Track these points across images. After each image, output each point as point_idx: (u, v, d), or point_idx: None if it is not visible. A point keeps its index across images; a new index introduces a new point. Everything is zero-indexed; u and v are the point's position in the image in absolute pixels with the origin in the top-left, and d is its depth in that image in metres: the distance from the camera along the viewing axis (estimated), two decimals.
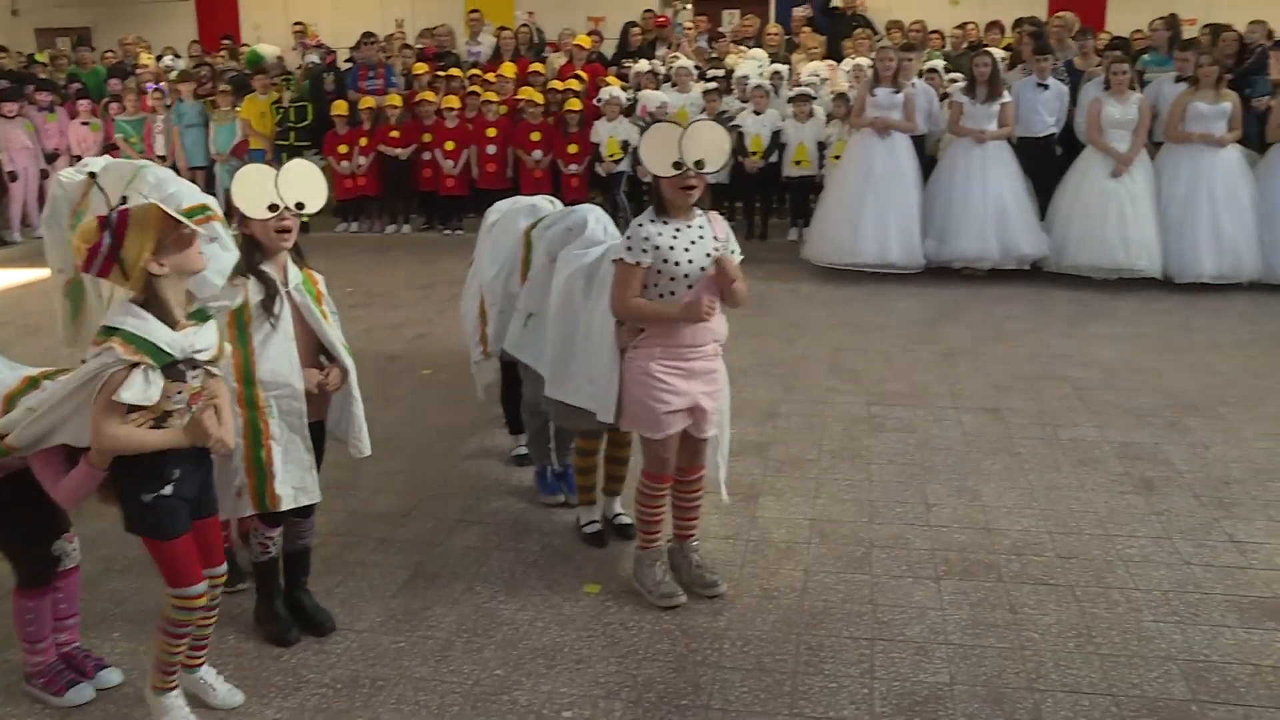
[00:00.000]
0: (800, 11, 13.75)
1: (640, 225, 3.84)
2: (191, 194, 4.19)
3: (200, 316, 3.21)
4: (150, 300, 3.07)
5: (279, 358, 3.57)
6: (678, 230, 3.84)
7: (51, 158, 12.85)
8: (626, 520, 4.56)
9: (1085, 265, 9.40)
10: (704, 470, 4.18)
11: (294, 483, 3.65)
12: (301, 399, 3.62)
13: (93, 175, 4.28)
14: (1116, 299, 8.94)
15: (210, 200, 4.28)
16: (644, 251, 3.80)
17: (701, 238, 3.87)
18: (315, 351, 3.73)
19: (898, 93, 9.67)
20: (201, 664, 3.51)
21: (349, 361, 3.77)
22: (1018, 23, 11.94)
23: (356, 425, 3.88)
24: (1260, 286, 9.20)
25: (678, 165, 3.74)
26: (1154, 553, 4.43)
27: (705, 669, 3.65)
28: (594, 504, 4.67)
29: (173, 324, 3.09)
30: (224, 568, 3.42)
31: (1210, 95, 9.24)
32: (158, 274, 3.05)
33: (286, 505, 3.65)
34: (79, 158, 12.38)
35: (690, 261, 3.82)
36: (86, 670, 3.65)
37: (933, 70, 10.66)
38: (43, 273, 4.69)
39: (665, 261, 3.80)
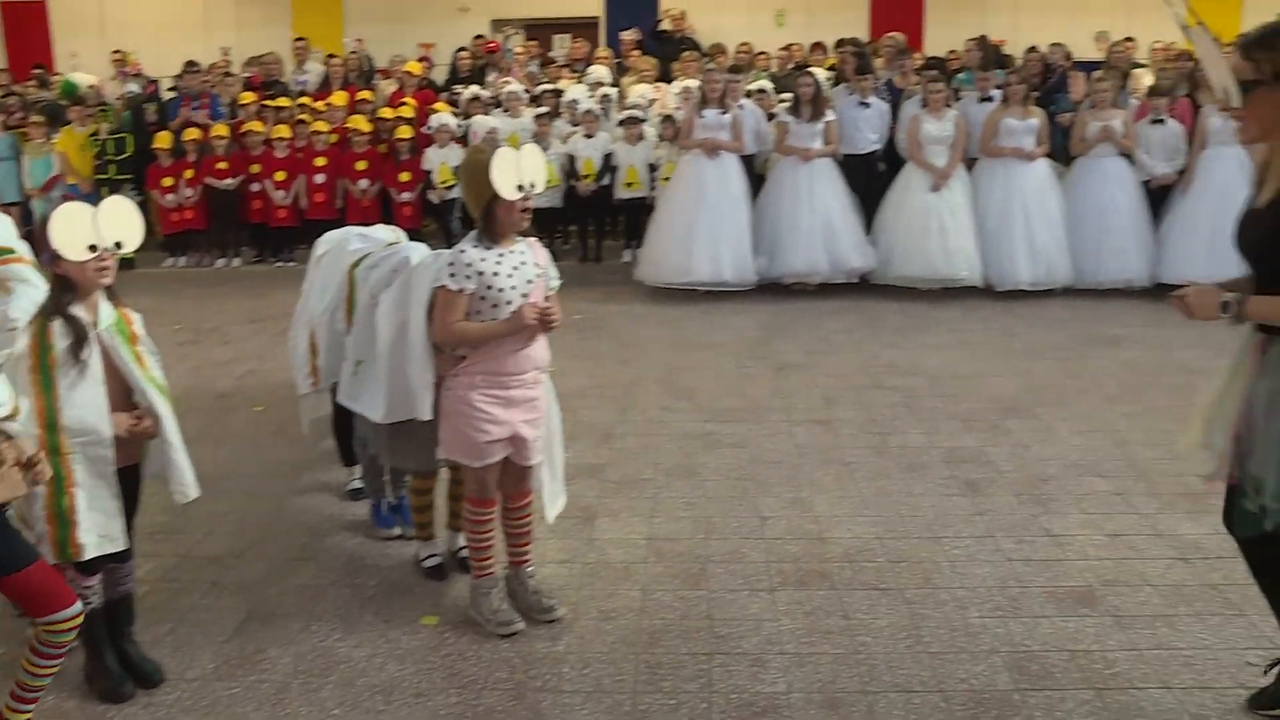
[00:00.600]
0: (629, 35, 13.95)
1: (463, 251, 3.84)
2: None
3: None
4: None
5: (86, 404, 3.44)
6: (500, 256, 3.86)
7: None
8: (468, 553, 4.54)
9: (910, 276, 9.74)
10: (531, 496, 4.19)
11: (99, 530, 3.51)
12: (109, 445, 3.49)
13: None
14: (940, 308, 9.28)
15: (15, 242, 4.13)
16: (467, 278, 3.79)
17: (524, 263, 3.90)
18: (127, 394, 3.60)
19: (725, 114, 9.87)
20: None
21: (162, 407, 3.64)
22: (840, 43, 12.34)
23: (177, 470, 3.73)
24: (1072, 292, 9.67)
25: (520, 188, 3.77)
26: (978, 551, 4.61)
27: (545, 694, 3.65)
28: (432, 538, 4.62)
29: None
30: (65, 614, 3.22)
31: (1019, 112, 9.72)
32: None
33: (90, 554, 3.51)
34: None
35: (513, 287, 3.84)
36: None
37: (761, 91, 10.91)
38: None
39: (489, 288, 3.81)
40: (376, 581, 4.52)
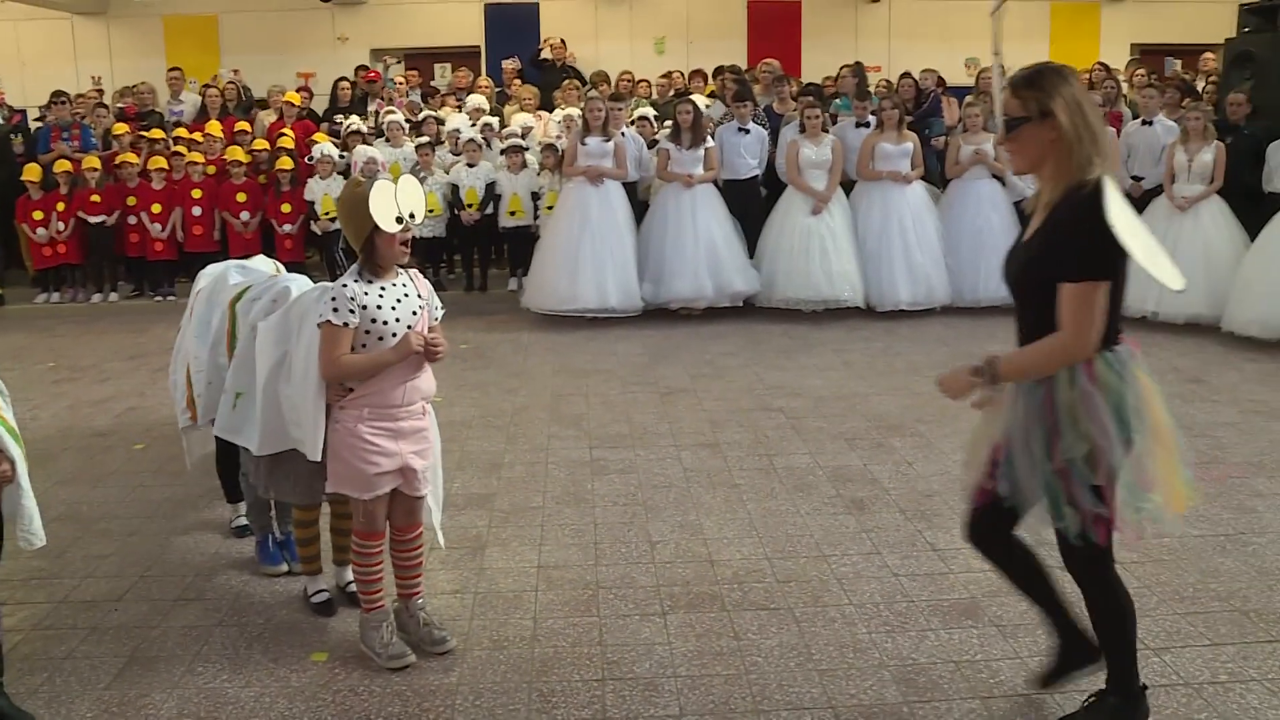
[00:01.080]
0: (510, 64, 13.99)
1: (345, 285, 3.82)
2: None
3: None
4: None
5: None
6: (383, 289, 3.85)
7: None
8: (356, 588, 4.48)
9: (794, 299, 9.92)
10: (421, 528, 4.17)
11: None
12: None
13: None
14: (823, 330, 9.46)
15: None
16: (350, 312, 3.77)
17: (406, 295, 3.90)
18: None
19: (608, 141, 9.96)
20: None
21: (15, 449, 3.53)
22: (719, 70, 12.56)
23: (26, 516, 3.60)
24: (951, 310, 9.96)
25: (399, 220, 3.77)
26: (865, 568, 4.71)
27: None
28: (319, 573, 4.56)
29: None
30: None
31: (894, 136, 10.00)
32: None
33: None
34: None
35: (398, 320, 3.83)
36: None
37: (644, 118, 11.02)
38: None
39: (374, 321, 3.80)
40: (264, 619, 4.43)
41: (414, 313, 3.89)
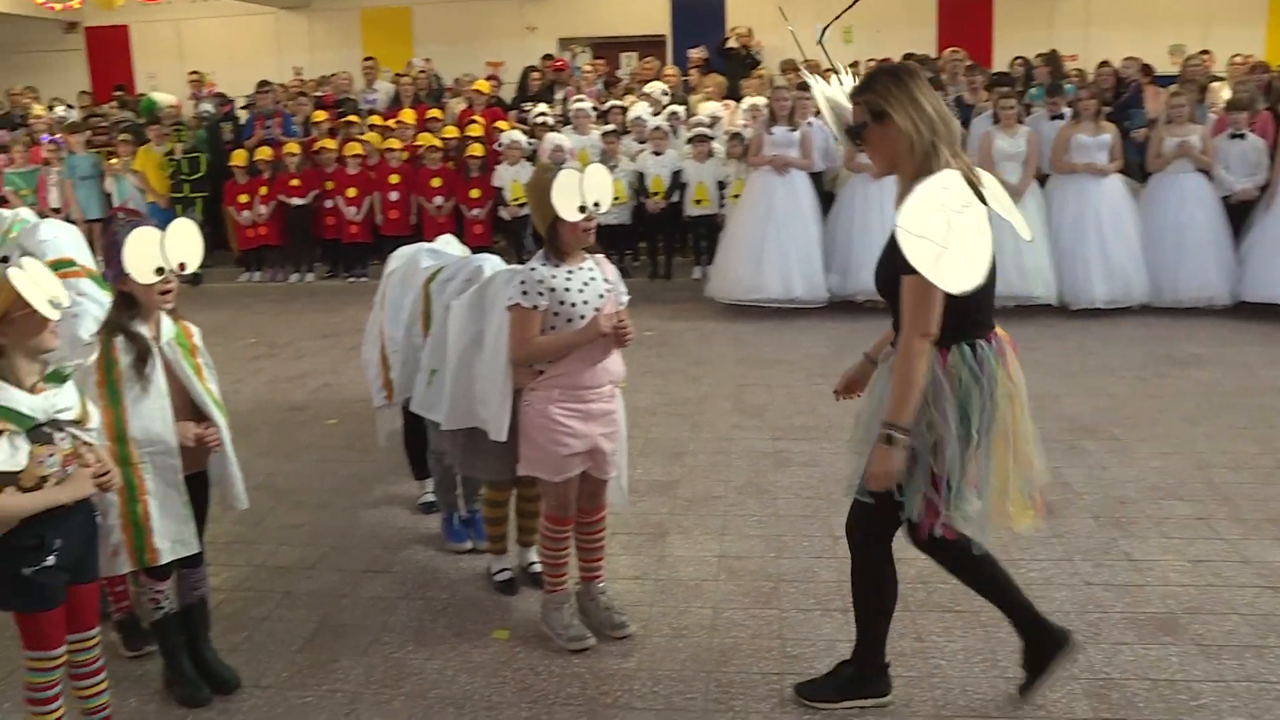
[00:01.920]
0: (696, 53, 13.96)
1: (533, 269, 3.86)
2: (59, 247, 4.15)
3: (57, 378, 3.14)
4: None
5: (152, 415, 3.52)
6: (570, 272, 3.87)
7: None
8: (540, 569, 4.51)
9: None
10: (606, 511, 4.19)
11: (172, 536, 3.60)
12: (176, 454, 3.57)
13: None
14: (1013, 327, 8.95)
15: (78, 254, 4.23)
16: (540, 295, 3.81)
17: (593, 279, 3.91)
18: (190, 404, 3.68)
19: (794, 130, 9.84)
20: None
21: (219, 418, 3.71)
22: (906, 59, 12.26)
23: (230, 479, 3.84)
24: (1149, 309, 9.49)
25: (582, 209, 3.78)
26: (1055, 575, 4.52)
27: (616, 711, 3.64)
28: (505, 552, 4.63)
29: (28, 390, 3.03)
30: (96, 632, 3.33)
31: (1091, 128, 9.59)
32: (0, 342, 3.00)
33: (165, 558, 3.60)
34: None
35: (585, 302, 3.85)
36: None
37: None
38: None
39: (562, 303, 3.82)
40: (448, 595, 4.54)
41: (600, 296, 3.90)
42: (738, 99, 12.31)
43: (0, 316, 2.97)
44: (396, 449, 5.56)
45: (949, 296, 3.06)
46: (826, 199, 10.16)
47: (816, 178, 10.09)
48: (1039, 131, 9.83)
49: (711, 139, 11.09)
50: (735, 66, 13.70)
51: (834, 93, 3.55)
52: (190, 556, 3.69)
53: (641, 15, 16.28)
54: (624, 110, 11.87)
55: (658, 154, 11.11)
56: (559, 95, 13.22)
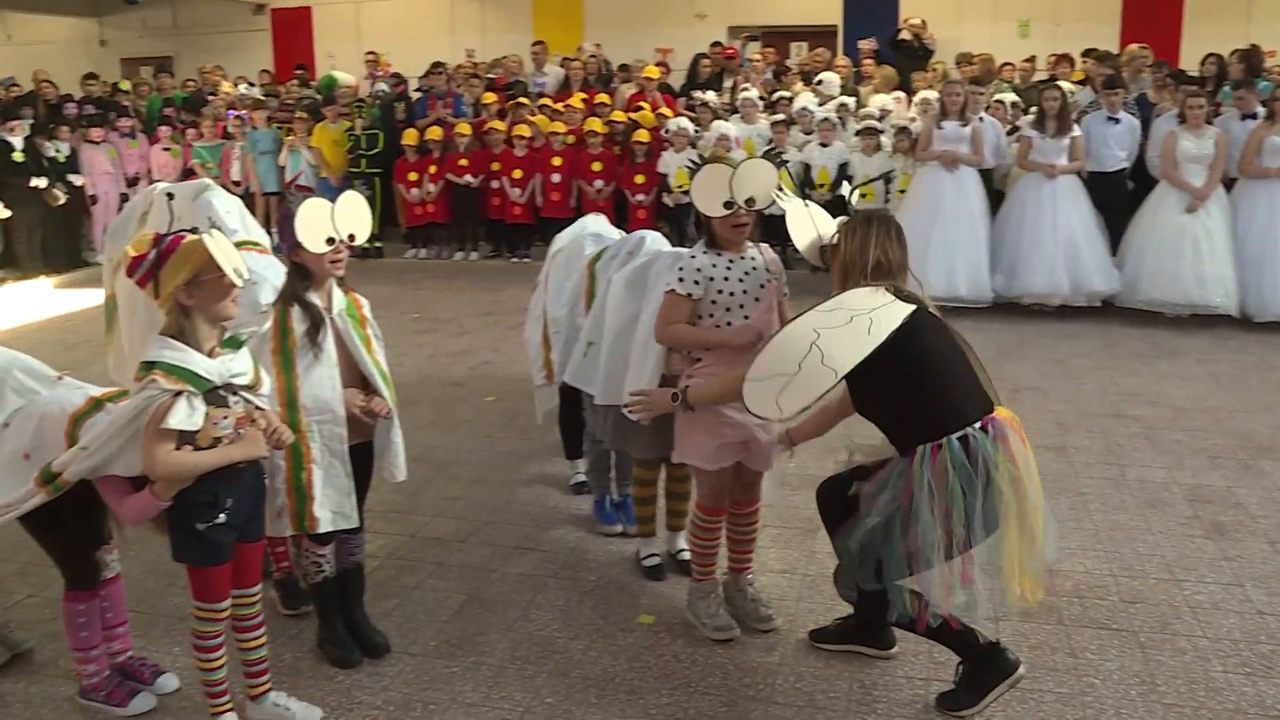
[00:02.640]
0: (867, 44, 13.74)
1: (693, 257, 3.84)
2: (226, 219, 4.31)
3: (233, 344, 3.28)
4: (181, 331, 3.15)
5: (322, 383, 3.63)
6: (731, 261, 3.84)
7: (132, 182, 13.17)
8: (688, 555, 4.51)
9: (1158, 301, 9.24)
10: (759, 503, 4.16)
11: (332, 506, 3.70)
12: (343, 424, 3.67)
13: (170, 195, 4.45)
14: (1189, 337, 8.78)
15: (261, 235, 4.39)
16: (695, 283, 3.79)
17: (754, 268, 3.87)
18: (359, 375, 3.78)
19: (965, 126, 9.61)
20: (267, 690, 3.56)
21: (385, 390, 3.80)
22: (1087, 54, 11.86)
23: (394, 451, 3.93)
24: None
25: (728, 205, 3.75)
26: (1224, 600, 4.31)
27: (757, 704, 3.62)
28: (653, 536, 4.65)
29: (206, 353, 3.17)
30: (258, 588, 3.48)
31: None
32: (185, 304, 3.13)
33: (324, 528, 3.70)
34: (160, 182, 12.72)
35: (745, 292, 3.82)
36: (144, 678, 3.75)
37: (1000, 103, 10.56)
38: None
39: (720, 292, 3.80)
40: (596, 576, 4.58)
41: (761, 286, 3.86)
42: (908, 92, 12.09)
43: (189, 279, 3.10)
44: (552, 428, 5.64)
45: (917, 392, 3.38)
46: (996, 197, 9.89)
47: (986, 175, 9.84)
48: (1229, 132, 9.37)
49: (880, 132, 10.91)
50: (907, 59, 13.44)
51: (821, 220, 3.86)
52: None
53: (813, 5, 16.09)
54: (791, 100, 11.76)
55: (824, 145, 10.97)
56: (727, 84, 13.17)
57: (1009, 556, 3.34)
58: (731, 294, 3.80)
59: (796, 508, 5.12)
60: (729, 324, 3.83)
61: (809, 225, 3.81)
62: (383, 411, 3.77)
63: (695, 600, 4.12)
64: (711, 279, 3.80)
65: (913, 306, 3.37)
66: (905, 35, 13.94)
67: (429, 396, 7.21)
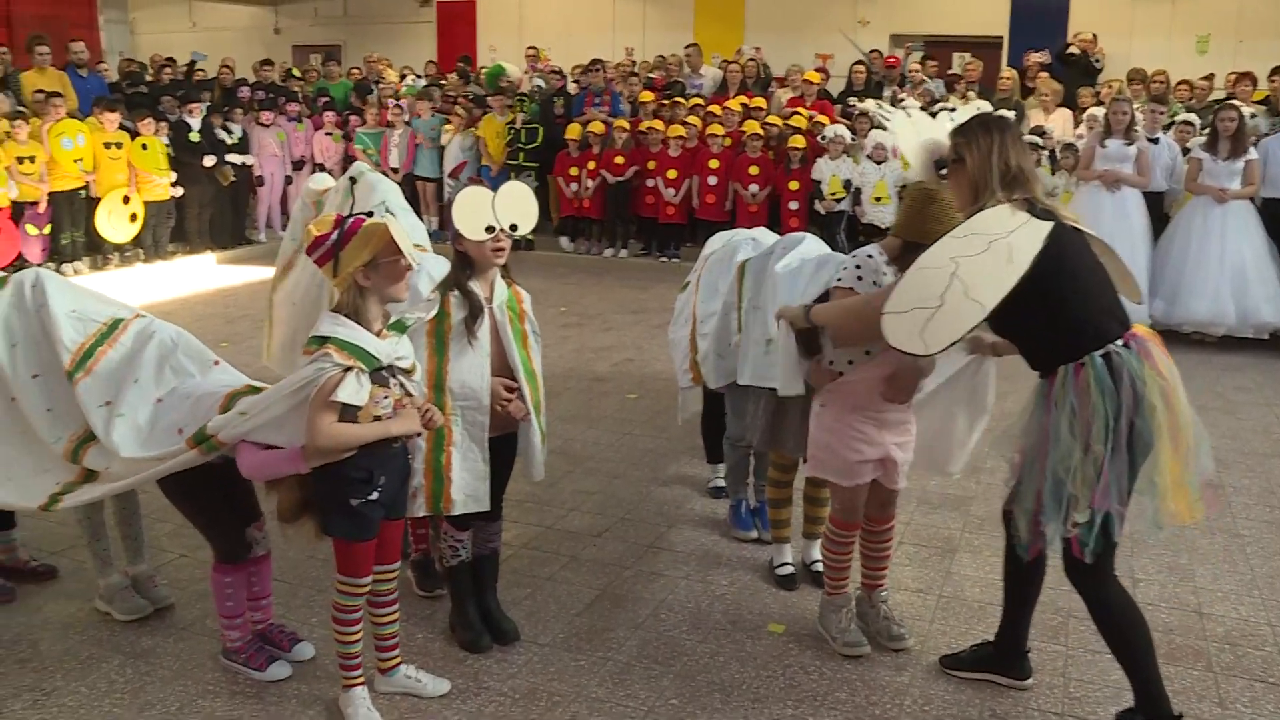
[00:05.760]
0: (1036, 57, 13.37)
1: (870, 257, 3.78)
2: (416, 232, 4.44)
3: (398, 327, 3.39)
4: (355, 310, 3.25)
5: (471, 371, 3.69)
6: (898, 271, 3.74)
7: (298, 165, 13.63)
8: (822, 567, 4.43)
9: None
10: (894, 521, 4.10)
11: (467, 490, 3.76)
12: (486, 412, 3.73)
13: (353, 180, 4.63)
14: None
15: (416, 223, 4.51)
16: (874, 284, 3.72)
17: None
18: (508, 368, 3.83)
19: (1130, 145, 9.30)
20: (397, 664, 3.66)
21: (528, 388, 3.84)
22: (1275, 72, 11.33)
23: (532, 449, 3.94)
24: None
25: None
26: None
27: None
28: (787, 542, 4.62)
29: (374, 334, 3.28)
30: (397, 566, 3.58)
31: None
32: (362, 285, 3.23)
33: (457, 510, 3.77)
34: (321, 166, 13.19)
35: None
36: (282, 644, 3.89)
37: (1186, 123, 10.14)
38: None
39: None
40: (728, 581, 4.56)
41: None
42: (1074, 108, 11.75)
43: (369, 260, 3.21)
44: (693, 429, 5.64)
45: (1058, 312, 3.22)
46: (1160, 222, 9.54)
47: (1154, 198, 9.49)
48: None
49: (1042, 148, 10.62)
50: (1074, 73, 13.05)
51: (931, 128, 3.70)
52: (489, 511, 3.86)
53: (979, 14, 15.76)
54: (952, 111, 11.51)
55: None
56: (886, 92, 12.99)
57: (1164, 472, 3.21)
58: None
59: (935, 526, 5.04)
60: None
61: (916, 136, 3.67)
62: (518, 415, 3.81)
63: (827, 613, 4.08)
64: (878, 285, 3.71)
65: (1050, 224, 3.22)
66: (1074, 49, 13.55)
67: (572, 390, 7.29)
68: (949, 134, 3.48)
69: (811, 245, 4.52)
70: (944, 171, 3.52)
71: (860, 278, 3.74)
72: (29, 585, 4.43)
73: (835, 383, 3.84)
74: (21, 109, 11.16)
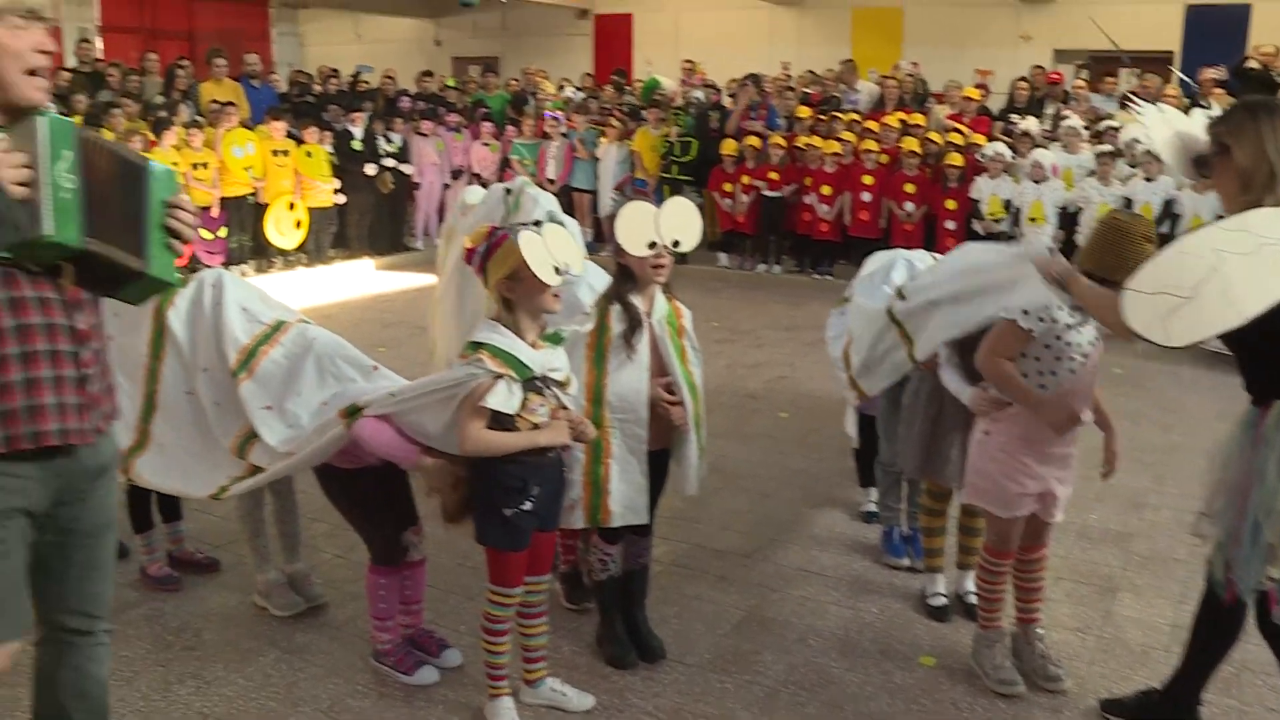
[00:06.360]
0: (1211, 72, 12.84)
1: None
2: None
3: (554, 339, 3.42)
4: (507, 320, 3.31)
5: (629, 384, 3.70)
6: (1076, 310, 3.60)
7: (455, 174, 13.93)
8: (975, 600, 4.29)
9: None
10: (1045, 550, 3.97)
11: (625, 502, 3.77)
12: (644, 425, 3.73)
13: (508, 191, 4.74)
14: None
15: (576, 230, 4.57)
16: (1040, 320, 3.58)
17: (1090, 322, 3.64)
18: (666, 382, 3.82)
19: None
20: (543, 676, 3.70)
21: (690, 403, 3.82)
22: None
23: (687, 463, 3.95)
24: None
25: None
26: None
27: None
28: (939, 572, 4.51)
29: (529, 344, 3.32)
30: (547, 578, 3.63)
31: None
32: (507, 296, 3.30)
33: (615, 523, 3.77)
34: (478, 175, 13.45)
35: (1081, 343, 3.62)
36: (431, 650, 3.97)
37: None
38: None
39: (1058, 339, 3.60)
40: (878, 610, 4.49)
41: (1091, 343, 3.64)
42: None
43: (509, 274, 3.27)
44: (845, 452, 5.57)
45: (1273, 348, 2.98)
46: None
47: None
48: None
49: None
50: (1251, 89, 12.48)
51: (1185, 123, 3.38)
52: (639, 526, 3.87)
53: (1149, 28, 15.19)
54: (1119, 130, 11.17)
55: (1149, 180, 10.36)
56: (1049, 110, 12.66)
57: None
58: (1068, 343, 3.59)
59: (1094, 563, 4.87)
60: (1054, 374, 3.64)
61: (1170, 131, 3.40)
62: (678, 420, 3.80)
63: (981, 648, 3.97)
64: (1055, 321, 3.59)
65: None
66: (1252, 64, 12.97)
67: (723, 406, 7.27)
68: (1208, 125, 3.19)
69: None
70: (1204, 170, 3.25)
71: (1027, 313, 3.59)
72: (193, 576, 4.64)
73: (1004, 411, 3.74)
74: (199, 118, 11.71)
